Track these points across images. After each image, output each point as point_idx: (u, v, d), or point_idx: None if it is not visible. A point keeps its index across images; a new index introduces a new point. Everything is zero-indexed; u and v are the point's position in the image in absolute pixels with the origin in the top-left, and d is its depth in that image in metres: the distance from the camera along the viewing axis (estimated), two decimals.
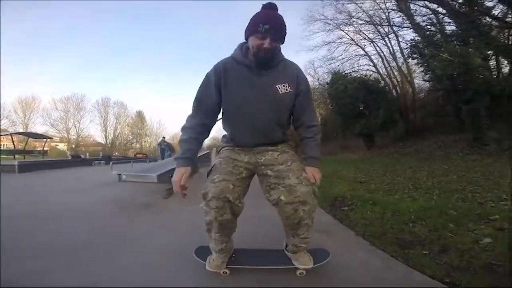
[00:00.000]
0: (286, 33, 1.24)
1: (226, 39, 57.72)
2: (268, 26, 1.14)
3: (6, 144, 22.02)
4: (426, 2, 9.36)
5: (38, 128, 33.32)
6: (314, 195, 1.22)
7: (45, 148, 22.82)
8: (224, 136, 1.48)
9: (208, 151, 8.78)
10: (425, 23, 9.96)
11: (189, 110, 1.35)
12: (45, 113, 34.50)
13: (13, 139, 20.58)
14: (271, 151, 1.32)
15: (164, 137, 16.89)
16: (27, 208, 3.02)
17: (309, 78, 21.14)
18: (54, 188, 4.58)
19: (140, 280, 1.39)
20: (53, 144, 33.11)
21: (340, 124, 15.53)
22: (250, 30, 1.21)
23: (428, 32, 9.92)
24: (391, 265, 1.54)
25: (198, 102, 1.32)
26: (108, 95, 38.71)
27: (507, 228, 1.96)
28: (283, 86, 1.25)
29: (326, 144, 18.76)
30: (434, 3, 8.96)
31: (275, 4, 1.21)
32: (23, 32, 49.22)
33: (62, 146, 34.81)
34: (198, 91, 1.33)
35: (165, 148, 14.37)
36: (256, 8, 1.25)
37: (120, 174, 4.52)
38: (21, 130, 30.08)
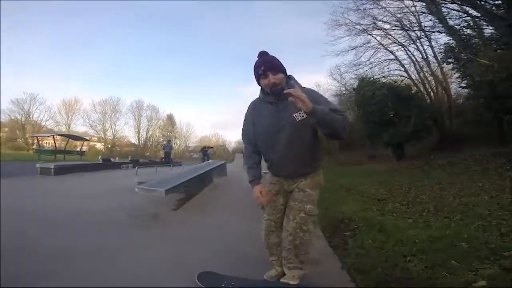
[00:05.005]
0: (280, 64, 1.49)
1: (251, 44, 58.68)
2: (263, 67, 1.45)
3: (50, 142, 24.22)
4: (459, 5, 8.67)
5: (79, 129, 36.69)
6: (302, 230, 1.49)
7: (84, 148, 24.82)
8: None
9: (224, 161, 8.97)
10: (460, 26, 9.22)
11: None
12: (85, 115, 37.32)
13: (55, 140, 22.71)
14: (296, 187, 1.56)
15: (169, 140, 17.67)
16: (39, 211, 3.24)
17: (335, 84, 20.62)
18: (75, 192, 4.89)
19: None
20: (92, 143, 35.73)
21: (367, 133, 14.89)
22: (256, 78, 1.52)
23: (463, 36, 9.19)
24: None
25: (243, 136, 1.71)
26: (141, 98, 40.55)
27: None
28: (299, 113, 1.40)
29: (352, 153, 18.11)
30: (467, 6, 8.28)
31: (263, 51, 1.52)
32: (71, 36, 54.29)
33: (100, 146, 37.33)
34: (242, 127, 1.71)
35: (169, 151, 14.94)
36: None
37: (140, 182, 4.77)
38: (64, 130, 33.32)
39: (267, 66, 1.44)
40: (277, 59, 1.50)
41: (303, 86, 1.51)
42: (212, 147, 15.69)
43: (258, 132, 1.57)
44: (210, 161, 11.90)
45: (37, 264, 1.78)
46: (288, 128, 1.44)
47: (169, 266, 1.85)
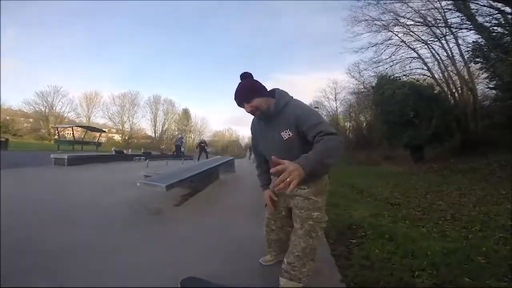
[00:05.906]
0: (253, 87, 1.46)
1: (267, 42, 58.23)
2: (236, 99, 1.48)
3: (71, 133, 25.09)
4: (489, 1, 8.02)
5: (99, 121, 38.34)
6: (311, 237, 1.46)
7: (102, 139, 25.63)
8: None
9: (232, 158, 8.91)
10: (490, 23, 8.52)
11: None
12: (104, 107, 38.97)
13: (74, 131, 23.57)
14: (298, 196, 1.51)
15: (181, 136, 17.75)
16: (40, 203, 3.18)
17: (353, 81, 20.14)
18: (81, 183, 4.85)
19: None
20: (110, 135, 37.16)
21: (385, 133, 14.37)
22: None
23: (494, 34, 8.53)
24: None
25: (252, 148, 1.89)
26: (159, 93, 41.69)
27: None
28: (286, 132, 1.44)
29: (369, 152, 17.60)
30: (499, 2, 7.65)
31: (244, 74, 1.51)
32: (93, 34, 56.70)
33: (118, 137, 38.78)
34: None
35: (180, 145, 14.96)
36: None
37: (147, 175, 4.77)
38: (84, 121, 35.00)
39: (239, 98, 1.47)
40: (251, 83, 1.48)
41: (294, 98, 1.51)
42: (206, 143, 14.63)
43: (261, 144, 1.67)
44: (206, 159, 10.56)
45: (26, 259, 1.76)
46: (279, 143, 1.47)
47: (155, 267, 1.76)
